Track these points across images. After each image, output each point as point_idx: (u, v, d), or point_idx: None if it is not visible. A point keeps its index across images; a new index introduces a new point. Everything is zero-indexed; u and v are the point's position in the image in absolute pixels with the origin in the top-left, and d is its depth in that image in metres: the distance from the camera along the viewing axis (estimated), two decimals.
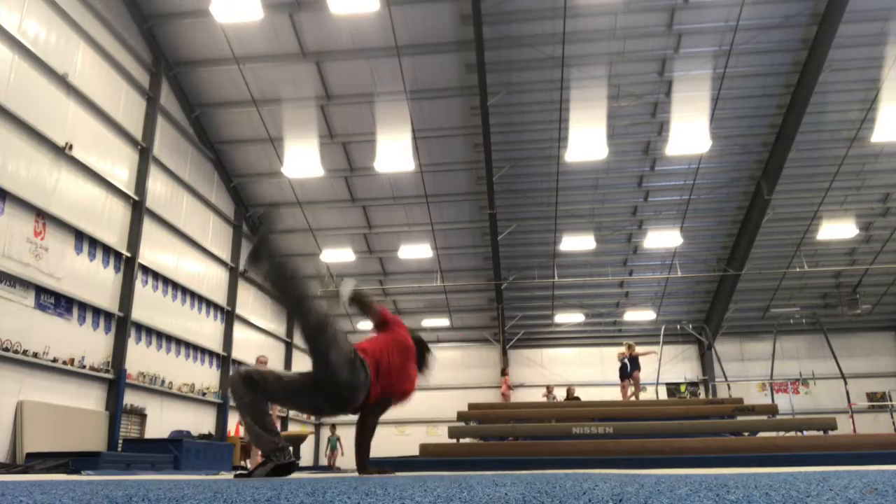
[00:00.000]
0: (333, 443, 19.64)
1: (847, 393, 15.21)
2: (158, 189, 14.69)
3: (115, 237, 12.95)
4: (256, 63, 14.81)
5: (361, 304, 3.70)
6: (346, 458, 20.82)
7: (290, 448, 3.18)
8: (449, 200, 18.45)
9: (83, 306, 11.84)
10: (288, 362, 22.36)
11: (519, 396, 21.04)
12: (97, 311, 12.24)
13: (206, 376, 16.67)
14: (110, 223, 12.84)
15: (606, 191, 18.01)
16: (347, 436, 22.95)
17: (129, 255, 13.18)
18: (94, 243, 12.26)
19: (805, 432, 8.32)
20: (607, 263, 20.29)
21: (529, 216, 18.54)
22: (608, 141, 15.79)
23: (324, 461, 22.65)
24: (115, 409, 12.33)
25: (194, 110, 16.11)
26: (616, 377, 13.82)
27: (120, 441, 12.28)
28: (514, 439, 7.99)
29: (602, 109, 15.33)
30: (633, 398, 13.08)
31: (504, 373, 19.01)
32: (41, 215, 10.81)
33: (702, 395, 22.09)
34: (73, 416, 11.02)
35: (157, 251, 14.47)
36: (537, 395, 18.33)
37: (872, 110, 15.12)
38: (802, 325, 19.69)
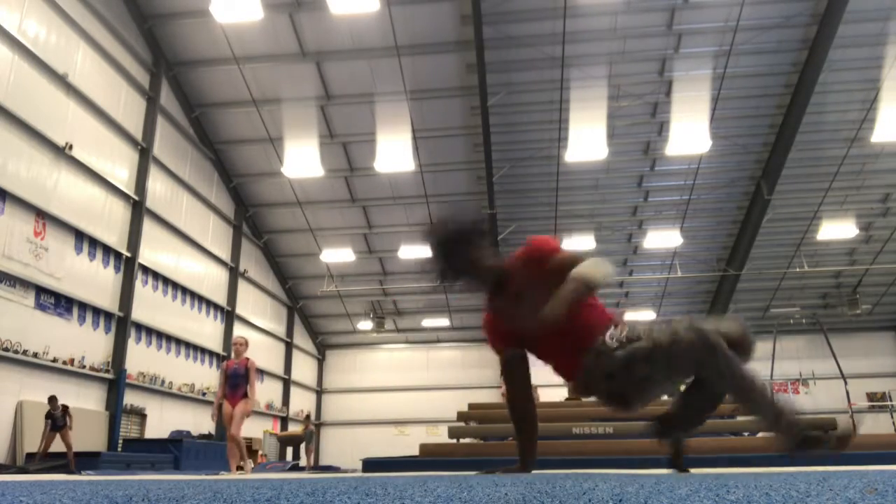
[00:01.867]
0: (309, 437, 17.02)
1: (847, 393, 15.19)
2: (158, 189, 14.69)
3: (115, 237, 12.95)
4: (256, 63, 14.81)
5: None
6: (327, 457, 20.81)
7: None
8: (449, 200, 18.45)
9: (83, 306, 11.84)
10: (288, 362, 22.36)
11: None
12: (97, 311, 12.25)
13: (206, 376, 16.66)
14: (110, 223, 12.85)
15: (606, 191, 18.00)
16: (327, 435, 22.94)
17: (129, 255, 13.19)
18: (94, 243, 12.27)
19: None
20: None
21: (529, 216, 18.54)
22: (608, 141, 15.78)
23: (325, 460, 22.56)
24: (115, 409, 12.34)
25: (194, 110, 16.11)
26: None
27: (120, 441, 12.29)
28: (514, 439, 7.99)
29: (602, 109, 15.32)
30: None
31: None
32: (41, 215, 10.81)
33: None
34: (73, 416, 11.01)
35: (157, 251, 14.47)
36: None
37: (872, 110, 15.11)
38: (802, 325, 19.69)
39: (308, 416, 18.95)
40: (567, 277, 2.32)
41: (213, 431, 16.32)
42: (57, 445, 9.88)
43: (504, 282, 2.48)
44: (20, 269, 10.25)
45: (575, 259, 2.41)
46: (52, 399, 9.85)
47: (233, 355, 7.41)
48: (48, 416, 9.76)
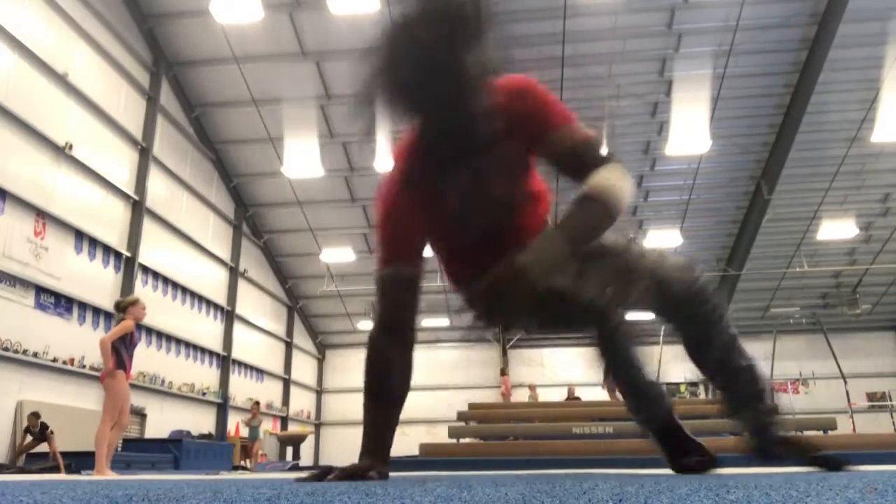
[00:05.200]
0: (256, 432, 14.96)
1: (847, 393, 15.19)
2: (158, 189, 14.69)
3: (115, 237, 12.95)
4: (256, 63, 14.80)
5: None
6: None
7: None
8: None
9: (83, 306, 11.84)
10: (288, 362, 22.36)
11: (518, 397, 21.03)
12: (97, 311, 12.24)
13: (206, 376, 16.67)
14: (110, 223, 12.85)
15: None
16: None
17: (129, 254, 13.19)
18: (94, 243, 12.27)
19: (805, 432, 8.31)
20: None
21: None
22: (608, 141, 15.77)
23: (325, 460, 22.54)
24: None
25: (194, 110, 16.11)
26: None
27: (120, 441, 12.27)
28: (514, 439, 7.99)
29: (602, 109, 15.33)
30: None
31: (504, 373, 19.02)
32: (41, 215, 10.81)
33: (702, 395, 22.08)
34: (74, 416, 11.01)
35: (157, 251, 14.47)
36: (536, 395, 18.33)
37: (872, 110, 15.11)
38: (802, 325, 19.69)
39: (256, 404, 15.78)
40: (585, 184, 1.59)
41: (213, 432, 16.32)
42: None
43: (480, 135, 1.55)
44: (20, 269, 10.25)
45: (592, 148, 1.64)
46: (34, 415, 9.63)
47: (130, 321, 5.76)
48: (27, 430, 9.61)
